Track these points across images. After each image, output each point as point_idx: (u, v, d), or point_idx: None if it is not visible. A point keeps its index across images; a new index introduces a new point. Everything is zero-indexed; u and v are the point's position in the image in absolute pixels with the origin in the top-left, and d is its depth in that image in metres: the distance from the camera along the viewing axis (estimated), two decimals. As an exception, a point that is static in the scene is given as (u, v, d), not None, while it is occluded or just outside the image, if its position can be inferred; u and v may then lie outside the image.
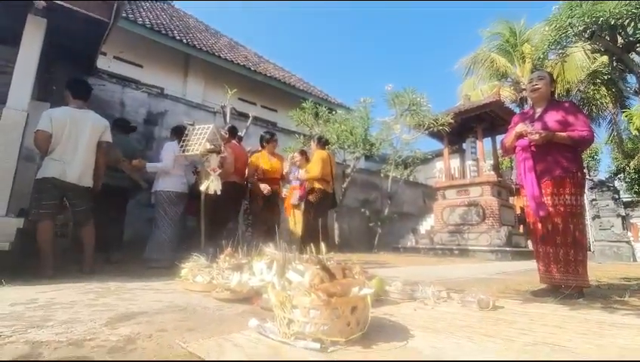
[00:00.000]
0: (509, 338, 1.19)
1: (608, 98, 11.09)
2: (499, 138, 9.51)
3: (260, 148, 4.67)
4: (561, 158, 2.18)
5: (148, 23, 8.17)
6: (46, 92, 4.11)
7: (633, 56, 7.71)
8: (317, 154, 4.48)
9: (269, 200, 4.33)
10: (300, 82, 12.16)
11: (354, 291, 1.16)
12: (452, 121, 8.46)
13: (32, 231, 2.61)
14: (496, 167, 10.03)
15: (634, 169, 13.93)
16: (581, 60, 10.18)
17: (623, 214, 10.11)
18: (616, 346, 1.13)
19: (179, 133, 3.73)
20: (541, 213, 2.15)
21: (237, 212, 4.38)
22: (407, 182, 11.12)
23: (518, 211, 9.67)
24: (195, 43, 9.04)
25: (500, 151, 8.28)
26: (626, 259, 9.13)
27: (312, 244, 1.49)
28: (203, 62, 9.07)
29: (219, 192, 3.37)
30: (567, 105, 2.36)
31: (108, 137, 2.99)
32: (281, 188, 4.70)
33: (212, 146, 3.41)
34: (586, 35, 7.02)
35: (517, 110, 10.73)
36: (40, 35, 3.05)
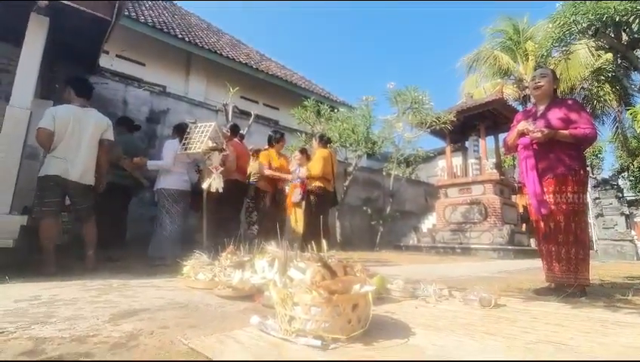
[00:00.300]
0: (511, 337, 1.19)
1: (612, 95, 11.00)
2: (501, 136, 9.46)
3: (266, 147, 4.73)
4: (563, 156, 2.16)
5: (150, 21, 8.18)
6: (49, 90, 4.13)
7: (638, 53, 7.64)
8: (318, 153, 4.48)
9: (276, 198, 4.39)
10: (302, 80, 12.15)
11: (355, 288, 1.16)
12: (454, 119, 8.42)
13: (36, 229, 2.63)
14: (499, 166, 9.99)
15: (638, 167, 13.82)
16: (585, 58, 10.10)
17: (627, 213, 10.05)
18: (620, 344, 1.12)
19: (180, 131, 3.73)
20: (543, 211, 2.15)
21: (239, 210, 4.40)
22: (409, 181, 11.11)
23: (521, 209, 9.64)
24: (197, 41, 9.04)
25: (502, 150, 8.25)
26: (630, 258, 9.08)
27: (313, 242, 1.49)
28: (205, 60, 9.07)
29: (221, 190, 3.38)
30: (570, 102, 2.34)
31: (110, 135, 3.01)
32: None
33: (214, 144, 3.41)
34: (590, 32, 6.97)
35: (520, 108, 10.67)
36: (43, 34, 3.06)
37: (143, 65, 8.38)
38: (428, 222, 10.69)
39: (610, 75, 10.37)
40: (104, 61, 6.26)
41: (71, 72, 3.88)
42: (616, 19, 6.09)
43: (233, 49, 10.73)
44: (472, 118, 9.53)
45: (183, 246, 3.48)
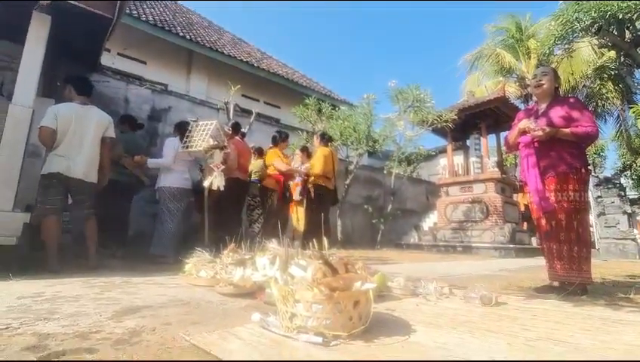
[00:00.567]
0: (512, 334, 1.19)
1: (615, 93, 10.94)
2: (503, 134, 9.42)
3: (270, 146, 4.79)
4: (565, 154, 2.16)
5: (151, 19, 8.18)
6: (51, 88, 4.13)
7: (641, 51, 7.60)
8: (319, 151, 4.49)
9: (285, 196, 4.47)
10: (303, 78, 12.13)
11: (356, 286, 1.17)
12: (456, 117, 8.40)
13: (39, 226, 2.64)
14: (501, 164, 9.97)
15: (641, 166, 13.76)
16: (587, 55, 10.04)
17: (629, 211, 10.00)
18: (621, 343, 1.12)
19: (181, 129, 3.74)
20: (545, 208, 2.14)
21: (240, 208, 4.41)
22: (410, 179, 11.09)
23: (522, 208, 9.61)
24: (199, 39, 9.04)
25: (504, 148, 8.24)
26: (632, 257, 9.06)
27: (314, 240, 1.49)
28: (206, 58, 9.07)
29: (222, 188, 3.39)
30: (572, 100, 2.33)
31: (112, 133, 3.02)
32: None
33: (215, 142, 3.42)
34: (593, 30, 6.93)
35: (522, 106, 10.62)
36: (45, 32, 3.06)
37: (145, 63, 8.38)
38: (429, 221, 10.68)
39: (613, 72, 10.31)
40: (105, 59, 6.27)
41: (72, 71, 3.89)
42: (620, 17, 6.05)
43: (234, 47, 10.72)
44: (474, 117, 9.50)
45: (184, 244, 3.50)
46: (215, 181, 3.35)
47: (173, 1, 11.68)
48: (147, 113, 6.03)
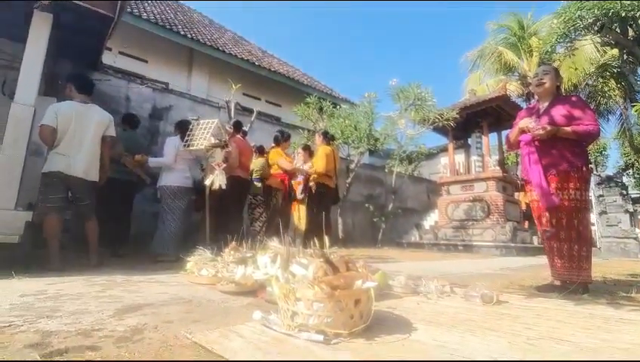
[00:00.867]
0: (512, 333, 1.19)
1: (618, 92, 10.89)
2: (505, 133, 9.39)
3: (272, 145, 4.80)
4: (566, 152, 2.15)
5: (152, 18, 8.17)
6: (52, 87, 4.14)
7: (644, 49, 7.55)
8: (321, 150, 4.48)
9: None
10: (304, 77, 12.11)
11: (357, 284, 1.17)
12: (457, 115, 8.38)
13: (41, 225, 2.65)
14: (502, 163, 9.94)
15: (643, 165, 13.71)
16: (590, 53, 9.99)
17: (631, 210, 9.97)
18: (623, 341, 1.12)
19: (182, 127, 3.74)
20: (549, 203, 2.13)
21: (241, 206, 4.42)
22: (411, 178, 11.09)
23: (524, 207, 9.60)
24: (200, 38, 9.03)
25: (505, 146, 8.21)
26: (633, 256, 9.03)
27: (315, 238, 1.49)
28: (207, 56, 9.06)
29: (224, 187, 3.39)
30: (574, 99, 2.32)
31: (112, 131, 3.02)
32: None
33: (217, 141, 3.42)
34: (596, 28, 6.89)
35: (523, 105, 10.59)
36: (46, 31, 3.07)
37: (146, 61, 8.38)
38: (430, 219, 10.68)
39: (615, 70, 10.26)
40: (107, 58, 6.27)
41: (74, 69, 3.90)
42: (623, 15, 6.01)
43: (235, 45, 10.71)
44: (475, 115, 9.48)
45: (186, 242, 3.51)
46: (216, 179, 3.35)
47: (174, 0, 11.67)
48: (148, 112, 6.03)
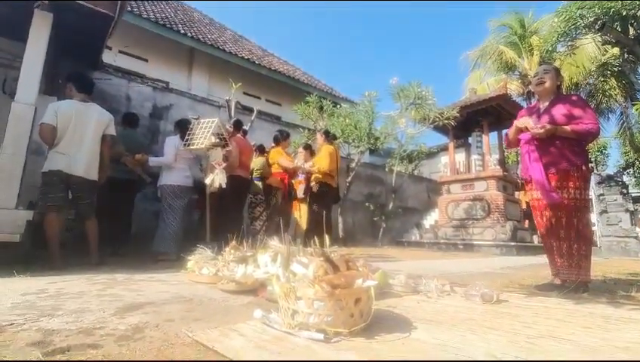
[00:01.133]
0: (512, 331, 1.20)
1: (618, 90, 10.87)
2: (505, 132, 9.39)
3: (272, 145, 4.81)
4: (566, 151, 2.15)
5: (153, 17, 8.16)
6: (53, 86, 4.14)
7: (645, 47, 7.53)
8: (325, 149, 4.49)
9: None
10: (305, 76, 12.10)
11: (358, 283, 1.17)
12: (458, 114, 8.37)
13: (41, 224, 2.66)
14: (502, 162, 9.94)
15: (644, 163, 13.69)
16: (591, 52, 9.97)
17: (632, 209, 9.95)
18: (623, 340, 1.12)
19: (182, 126, 3.74)
20: (551, 200, 2.13)
21: (242, 205, 4.42)
22: (411, 177, 11.09)
23: (524, 206, 9.60)
24: (200, 37, 9.02)
25: (505, 143, 8.19)
26: (634, 255, 9.02)
27: (316, 237, 1.50)
28: (208, 56, 9.06)
29: (224, 186, 3.39)
30: (574, 98, 2.33)
31: (112, 130, 3.02)
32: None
33: (217, 140, 3.42)
34: (597, 27, 6.88)
35: (524, 104, 10.58)
36: (46, 30, 3.07)
37: (146, 61, 8.38)
38: (430, 219, 10.68)
39: (616, 69, 10.24)
40: (107, 57, 6.27)
41: (74, 68, 3.89)
42: (624, 14, 6.00)
43: (236, 44, 10.70)
44: (476, 114, 9.47)
45: (186, 241, 3.52)
46: (217, 178, 3.36)
47: (174, -1, 11.66)
48: (149, 110, 6.03)
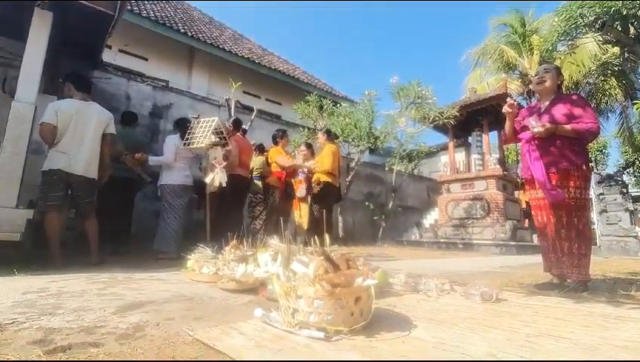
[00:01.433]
0: (512, 330, 1.20)
1: (618, 90, 10.87)
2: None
3: (271, 145, 4.81)
4: (566, 150, 2.16)
5: (152, 15, 8.16)
6: (53, 85, 4.14)
7: (646, 47, 7.53)
8: (327, 148, 4.49)
9: (287, 192, 4.50)
10: (305, 75, 12.09)
11: (358, 282, 1.18)
12: (457, 114, 8.37)
13: (42, 223, 2.66)
14: (502, 161, 9.94)
15: (644, 163, 13.69)
16: (591, 51, 9.96)
17: (632, 209, 9.95)
18: (622, 339, 1.12)
19: (181, 125, 3.73)
20: (554, 197, 2.13)
21: (242, 204, 4.43)
22: (411, 176, 11.09)
23: (524, 205, 9.60)
24: (200, 36, 9.01)
25: (502, 139, 8.21)
26: (633, 254, 9.03)
27: (316, 236, 1.50)
28: (207, 54, 9.05)
29: (224, 185, 3.39)
30: (574, 98, 2.33)
31: (112, 129, 3.02)
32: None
33: (217, 139, 3.42)
34: (597, 26, 6.87)
35: (524, 103, 10.58)
36: (46, 29, 3.06)
37: (146, 59, 8.37)
38: (430, 218, 10.69)
39: (616, 69, 10.23)
40: (107, 56, 6.27)
41: (74, 67, 3.90)
42: (624, 13, 5.99)
43: (235, 43, 10.69)
44: (476, 113, 9.46)
45: (187, 240, 3.52)
46: (217, 177, 3.36)
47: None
48: (148, 109, 6.03)
